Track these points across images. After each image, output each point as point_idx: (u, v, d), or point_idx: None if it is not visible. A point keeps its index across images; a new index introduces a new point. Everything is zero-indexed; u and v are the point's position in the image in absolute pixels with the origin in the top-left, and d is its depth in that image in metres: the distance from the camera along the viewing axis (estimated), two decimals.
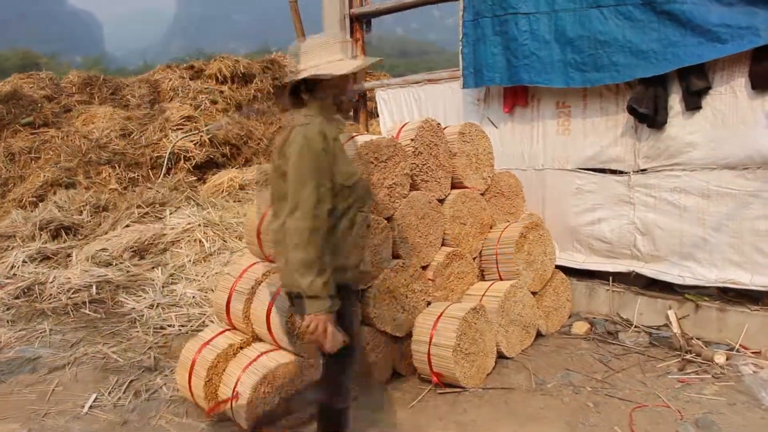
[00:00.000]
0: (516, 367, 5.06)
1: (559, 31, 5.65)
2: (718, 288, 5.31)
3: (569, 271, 6.06)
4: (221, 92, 13.27)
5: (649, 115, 5.37)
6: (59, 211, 9.10)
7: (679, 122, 5.36)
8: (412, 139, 5.05)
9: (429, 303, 5.08)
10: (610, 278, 5.86)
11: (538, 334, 5.56)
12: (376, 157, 4.68)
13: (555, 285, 5.80)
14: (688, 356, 4.99)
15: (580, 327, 5.67)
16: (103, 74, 13.85)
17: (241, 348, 4.59)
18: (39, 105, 12.32)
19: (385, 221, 4.75)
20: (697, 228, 5.30)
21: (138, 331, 6.26)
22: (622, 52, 5.34)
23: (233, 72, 13.65)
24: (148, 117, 12.42)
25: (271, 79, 14.00)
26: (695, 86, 5.22)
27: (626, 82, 5.52)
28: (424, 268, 5.13)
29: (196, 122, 12.20)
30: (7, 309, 7.03)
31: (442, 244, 5.31)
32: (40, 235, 8.62)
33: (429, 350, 4.72)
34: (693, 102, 5.28)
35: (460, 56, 6.29)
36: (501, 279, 5.46)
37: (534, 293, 5.54)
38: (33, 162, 11.54)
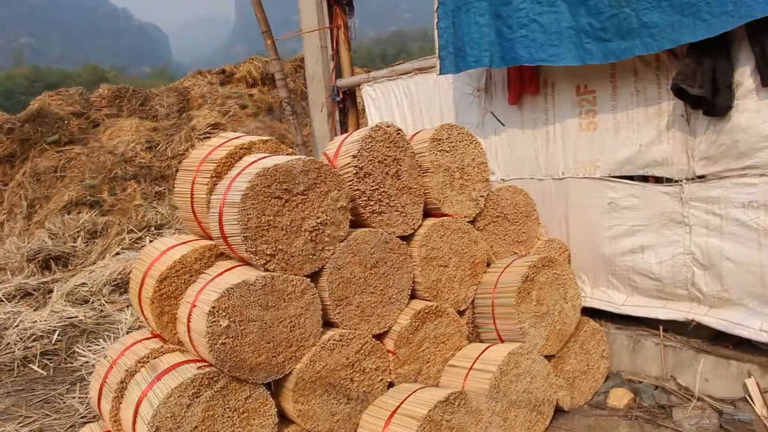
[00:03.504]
0: None
1: None
2: None
3: (606, 315, 4.22)
4: (251, 95, 11.81)
5: (705, 98, 3.48)
6: (51, 238, 7.84)
7: (751, 105, 3.44)
8: (353, 156, 3.36)
9: (391, 384, 3.40)
10: (661, 327, 3.99)
11: (559, 410, 3.78)
12: (286, 189, 3.01)
13: (583, 340, 3.97)
14: None
15: (620, 397, 3.84)
16: (133, 86, 12.63)
17: None
18: (66, 122, 11.21)
19: (307, 281, 3.09)
20: None
21: (74, 397, 4.86)
22: (659, 9, 3.44)
23: (263, 74, 12.17)
24: (175, 127, 11.12)
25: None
26: None
27: (670, 51, 3.65)
28: (381, 336, 3.44)
29: (223, 129, 10.80)
30: None
31: (412, 297, 3.60)
32: (29, 267, 7.38)
33: None
34: None
35: (435, 33, 4.45)
36: (501, 340, 3.71)
37: (550, 356, 3.76)
38: (59, 181, 10.43)
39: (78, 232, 7.89)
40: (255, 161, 3.11)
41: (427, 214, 3.74)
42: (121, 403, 3.06)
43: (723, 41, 3.44)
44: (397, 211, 3.51)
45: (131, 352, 3.23)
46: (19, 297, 6.88)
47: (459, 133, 3.83)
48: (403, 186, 3.55)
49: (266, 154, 3.28)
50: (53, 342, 5.81)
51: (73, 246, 7.66)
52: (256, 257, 2.94)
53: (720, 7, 3.25)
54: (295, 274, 3.06)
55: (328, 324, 3.23)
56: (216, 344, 2.79)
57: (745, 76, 3.44)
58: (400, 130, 3.58)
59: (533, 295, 3.67)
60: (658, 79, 3.79)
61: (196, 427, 2.81)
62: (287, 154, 3.45)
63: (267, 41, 5.79)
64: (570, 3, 3.81)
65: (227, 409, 2.89)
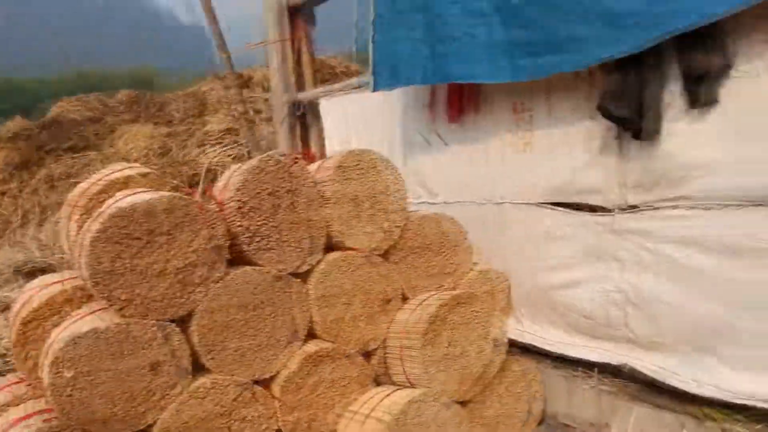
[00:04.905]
0: None
1: None
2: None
3: (546, 352, 3.94)
4: (266, 100, 11.74)
5: (631, 120, 3.19)
6: (39, 249, 7.97)
7: (681, 129, 3.13)
8: (236, 189, 3.21)
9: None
10: (596, 369, 3.69)
11: None
12: (146, 229, 2.89)
13: (510, 381, 3.72)
14: None
15: None
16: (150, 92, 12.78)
17: None
18: (82, 128, 11.41)
19: (171, 326, 2.96)
20: (718, 305, 3.07)
21: None
22: (586, 20, 3.16)
23: None
24: (189, 132, 11.17)
25: (321, 81, 12.31)
26: (703, 67, 2.99)
27: (603, 67, 3.35)
28: (269, 381, 3.29)
29: (236, 135, 10.79)
30: None
31: (312, 337, 3.44)
32: (16, 279, 7.50)
33: None
34: (702, 94, 3.04)
35: (371, 47, 4.25)
36: (411, 383, 3.50)
37: (466, 402, 3.54)
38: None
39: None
40: (120, 199, 3.00)
41: (335, 248, 3.56)
42: None
43: (652, 57, 3.13)
44: (290, 246, 3.34)
45: None
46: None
47: (371, 159, 3.63)
48: (298, 219, 3.37)
49: (139, 190, 3.17)
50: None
51: (61, 257, 7.75)
52: (110, 303, 2.84)
53: (644, 19, 2.97)
54: (158, 319, 2.94)
55: (203, 369, 3.10)
56: (60, 396, 2.71)
57: (674, 97, 3.13)
58: (297, 158, 3.41)
59: (444, 337, 3.44)
60: (593, 96, 3.49)
61: None
62: (171, 188, 3.34)
63: (222, 54, 5.68)
64: (503, 14, 3.56)
65: None
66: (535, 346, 3.93)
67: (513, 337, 3.96)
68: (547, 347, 3.85)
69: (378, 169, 3.65)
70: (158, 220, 2.91)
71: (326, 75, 10.86)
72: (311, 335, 3.43)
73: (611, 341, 3.56)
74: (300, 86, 5.59)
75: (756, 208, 2.91)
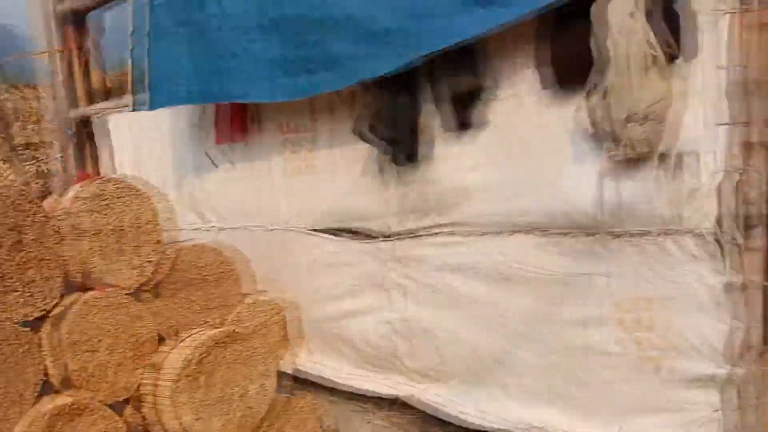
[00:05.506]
0: None
1: (263, 10, 3.35)
2: None
3: (324, 387, 3.81)
4: None
5: (386, 144, 3.11)
6: None
7: (438, 153, 3.11)
8: None
9: None
10: (370, 403, 3.60)
11: None
12: None
13: (282, 422, 3.53)
14: None
15: None
16: None
17: None
18: None
19: None
20: (493, 335, 3.04)
21: None
22: (342, 39, 3.04)
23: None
24: None
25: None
26: (456, 89, 2.96)
27: (364, 88, 3.24)
28: None
29: (35, 149, 9.99)
30: None
31: (53, 392, 3.09)
32: None
33: None
34: (456, 117, 3.02)
35: (129, 62, 3.97)
36: None
37: None
38: None
39: None
40: None
41: (77, 289, 3.23)
42: None
43: (408, 79, 3.06)
44: (16, 292, 2.97)
45: None
46: None
47: (117, 188, 3.33)
48: (29, 259, 3.02)
49: None
50: None
51: None
52: None
53: (398, 39, 2.90)
54: None
55: None
56: None
57: (429, 119, 3.09)
58: (23, 190, 3.07)
59: (201, 381, 3.20)
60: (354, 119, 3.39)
61: None
62: None
63: None
64: (264, 30, 3.38)
65: None
66: (313, 382, 3.78)
67: (290, 371, 3.81)
68: (323, 382, 3.72)
69: (125, 199, 3.35)
70: None
71: None
72: (52, 390, 3.08)
73: (384, 374, 3.49)
74: (73, 102, 5.14)
75: (525, 234, 2.90)
